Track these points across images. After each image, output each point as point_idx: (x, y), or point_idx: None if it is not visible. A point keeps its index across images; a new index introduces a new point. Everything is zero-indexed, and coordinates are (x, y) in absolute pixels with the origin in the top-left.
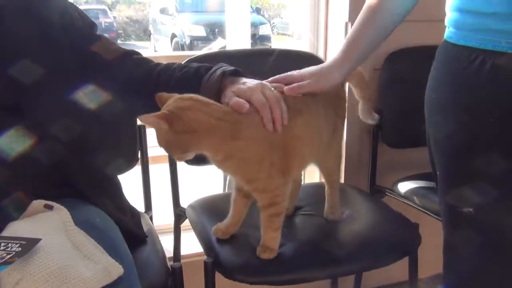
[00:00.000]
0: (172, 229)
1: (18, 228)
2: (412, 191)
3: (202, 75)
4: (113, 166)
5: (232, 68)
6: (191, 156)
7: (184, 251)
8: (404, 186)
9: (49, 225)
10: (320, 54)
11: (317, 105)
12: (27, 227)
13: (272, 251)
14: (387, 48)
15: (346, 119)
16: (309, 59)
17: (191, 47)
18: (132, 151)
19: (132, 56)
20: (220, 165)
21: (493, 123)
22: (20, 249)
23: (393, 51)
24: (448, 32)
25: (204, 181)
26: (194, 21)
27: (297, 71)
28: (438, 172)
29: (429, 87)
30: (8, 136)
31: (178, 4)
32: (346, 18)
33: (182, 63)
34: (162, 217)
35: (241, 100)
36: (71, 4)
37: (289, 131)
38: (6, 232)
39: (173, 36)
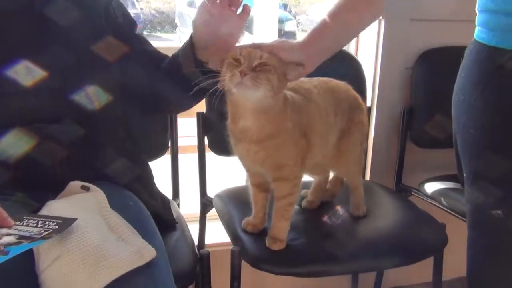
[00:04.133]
0: (196, 218)
1: (55, 207)
2: (439, 192)
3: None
4: (145, 153)
5: None
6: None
7: (207, 240)
8: (431, 187)
9: (85, 206)
10: (351, 50)
11: (329, 103)
12: (64, 207)
13: (282, 242)
14: (419, 46)
15: (374, 122)
16: (338, 52)
17: None
18: (163, 140)
19: (165, 59)
20: (261, 146)
21: None
22: (57, 227)
23: (426, 50)
24: (479, 32)
25: (226, 173)
26: None
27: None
28: (465, 174)
29: (458, 88)
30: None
31: None
32: None
33: None
34: (186, 206)
35: None
36: (118, 1)
37: (308, 118)
38: (44, 211)
39: None
